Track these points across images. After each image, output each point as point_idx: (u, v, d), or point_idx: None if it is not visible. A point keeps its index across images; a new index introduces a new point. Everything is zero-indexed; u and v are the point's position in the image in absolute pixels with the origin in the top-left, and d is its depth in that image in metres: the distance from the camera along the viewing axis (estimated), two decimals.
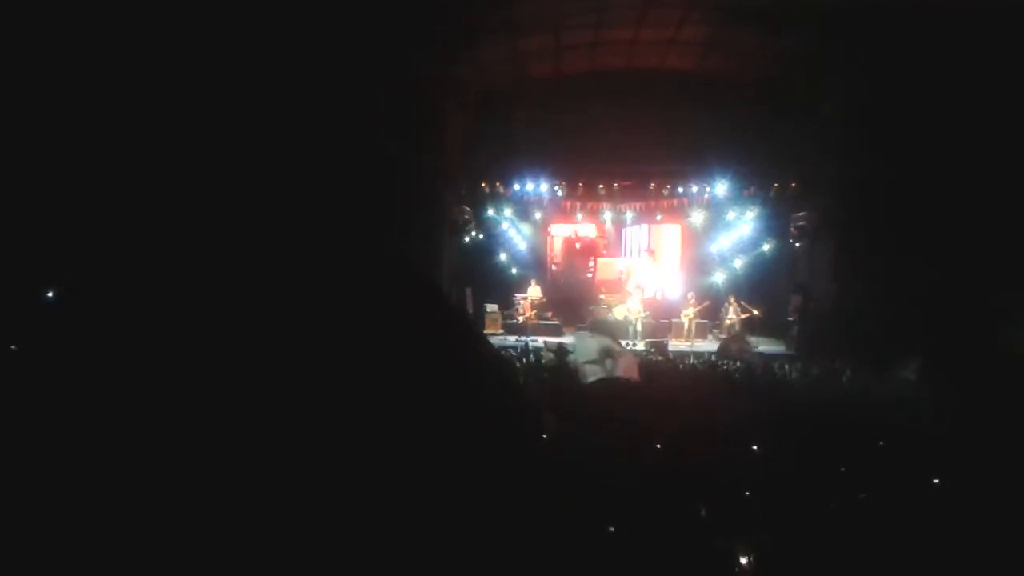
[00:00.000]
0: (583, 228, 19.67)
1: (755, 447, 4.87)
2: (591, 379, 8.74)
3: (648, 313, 17.30)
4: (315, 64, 9.79)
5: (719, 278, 18.15)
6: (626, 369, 8.89)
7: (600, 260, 19.86)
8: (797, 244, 16.74)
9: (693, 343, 16.31)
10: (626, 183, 18.10)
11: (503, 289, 18.45)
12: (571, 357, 9.89)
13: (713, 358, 13.70)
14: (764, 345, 15.92)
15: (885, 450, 5.16)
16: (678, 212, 18.65)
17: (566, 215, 19.08)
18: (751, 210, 17.63)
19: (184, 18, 8.06)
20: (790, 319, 16.04)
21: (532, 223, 19.11)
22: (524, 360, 11.45)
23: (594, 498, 3.16)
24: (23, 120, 7.10)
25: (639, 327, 16.81)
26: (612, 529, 2.74)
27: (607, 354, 9.11)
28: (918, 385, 8.77)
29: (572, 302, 18.70)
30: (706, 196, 17.90)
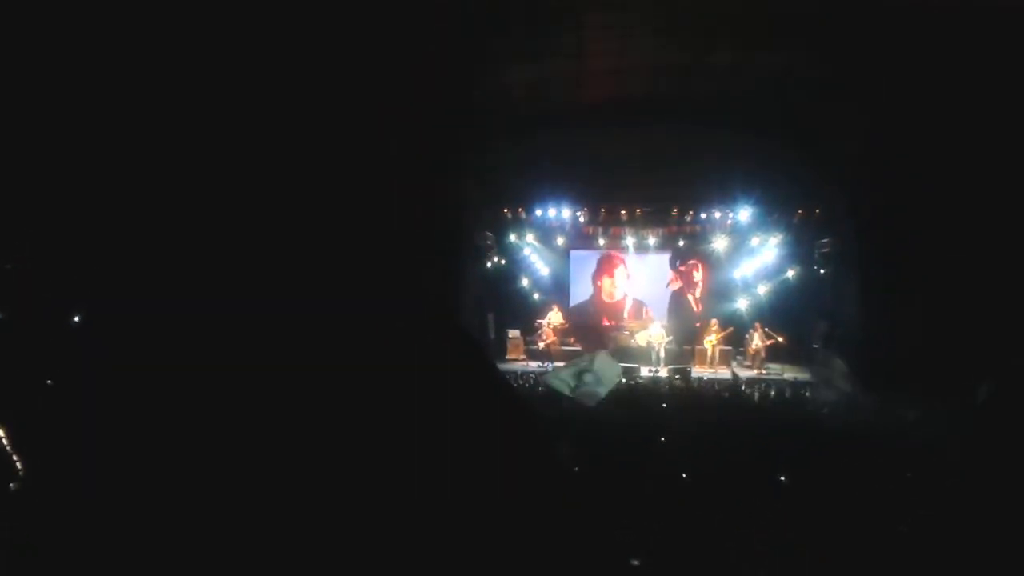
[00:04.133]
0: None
1: (781, 477, 4.81)
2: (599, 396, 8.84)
3: (672, 338, 17.22)
4: (333, 90, 9.88)
5: (742, 304, 18.03)
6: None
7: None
8: (822, 271, 16.61)
9: (717, 370, 16.18)
10: (647, 209, 18.10)
11: (525, 314, 18.45)
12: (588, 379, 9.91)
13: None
14: (789, 372, 15.79)
15: (912, 481, 5.08)
16: (700, 238, 18.59)
17: (588, 240, 19.09)
18: (775, 236, 17.54)
19: (221, 39, 8.17)
20: (815, 346, 15.89)
21: (554, 248, 19.13)
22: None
23: (616, 528, 3.13)
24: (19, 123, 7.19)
25: (662, 353, 16.73)
26: (635, 562, 2.71)
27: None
28: (945, 414, 8.63)
29: (593, 328, 18.69)
30: (728, 222, 17.85)
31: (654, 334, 17.03)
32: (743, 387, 13.44)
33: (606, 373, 9.54)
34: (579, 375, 9.69)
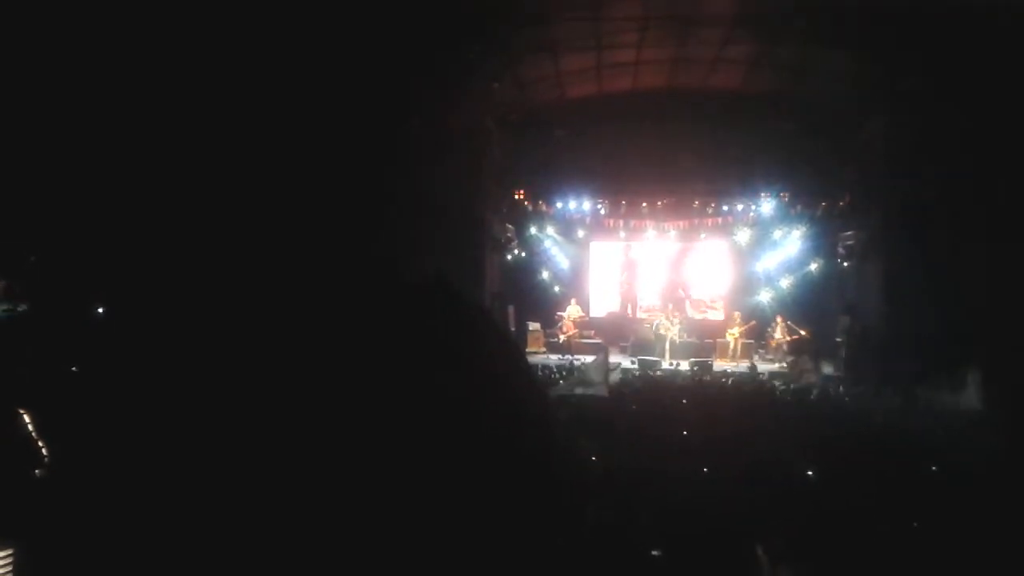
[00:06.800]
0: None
1: (808, 472, 4.77)
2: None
3: (680, 326, 17.11)
4: (356, 84, 9.92)
5: (765, 297, 17.89)
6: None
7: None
8: (845, 264, 16.43)
9: (739, 363, 16.08)
10: (669, 201, 18.01)
11: (546, 307, 18.42)
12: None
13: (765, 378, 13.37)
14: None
15: (936, 476, 5.03)
16: (722, 230, 18.48)
17: (609, 233, 19.01)
18: (798, 229, 17.37)
19: (229, 49, 8.25)
20: (838, 340, 15.73)
21: (574, 241, 19.07)
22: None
23: (635, 523, 3.13)
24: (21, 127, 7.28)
25: (679, 345, 16.65)
26: (656, 553, 2.71)
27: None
28: (970, 409, 8.53)
29: (612, 320, 18.67)
30: (751, 214, 17.72)
31: (666, 325, 16.94)
32: (765, 381, 13.30)
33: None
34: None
